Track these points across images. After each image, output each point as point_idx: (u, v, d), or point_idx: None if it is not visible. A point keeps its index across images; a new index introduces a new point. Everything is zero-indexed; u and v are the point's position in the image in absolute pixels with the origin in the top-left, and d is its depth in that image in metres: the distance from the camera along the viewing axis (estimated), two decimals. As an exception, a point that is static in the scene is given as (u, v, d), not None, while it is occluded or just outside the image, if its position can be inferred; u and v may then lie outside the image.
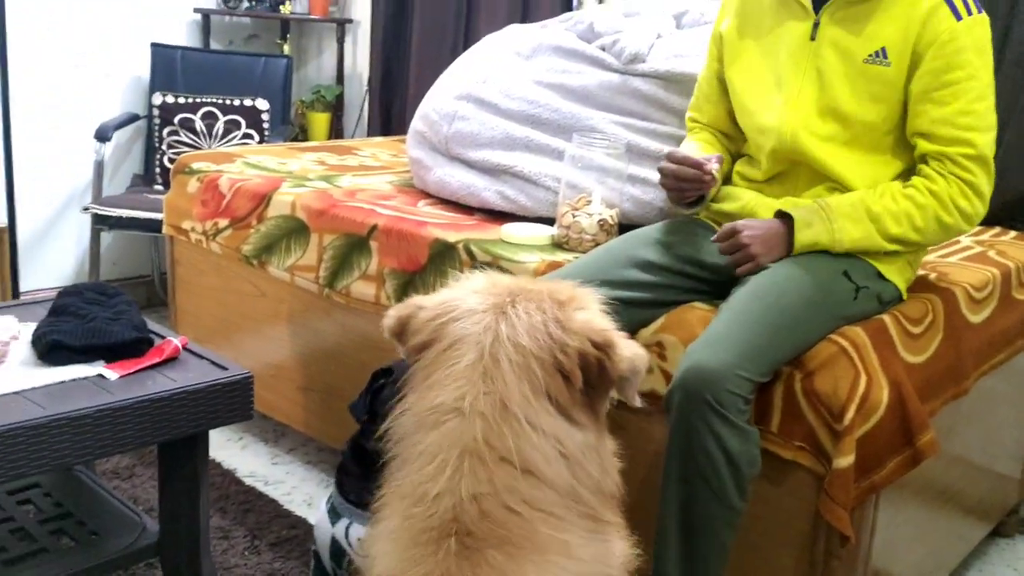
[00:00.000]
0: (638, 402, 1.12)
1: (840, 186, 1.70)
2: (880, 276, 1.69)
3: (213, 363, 1.71)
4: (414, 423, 1.02)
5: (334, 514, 1.69)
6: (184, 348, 1.75)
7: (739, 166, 1.88)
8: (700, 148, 1.87)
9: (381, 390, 1.66)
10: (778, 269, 1.63)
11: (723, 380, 1.45)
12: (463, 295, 1.09)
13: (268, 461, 2.56)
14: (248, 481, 2.41)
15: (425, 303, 1.11)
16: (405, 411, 1.05)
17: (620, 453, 1.13)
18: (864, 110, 1.67)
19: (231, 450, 2.60)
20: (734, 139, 1.91)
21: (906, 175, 1.70)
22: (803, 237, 1.64)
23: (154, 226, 3.04)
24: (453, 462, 0.97)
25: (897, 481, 1.59)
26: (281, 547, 2.09)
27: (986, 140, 1.66)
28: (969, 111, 1.63)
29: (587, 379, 1.03)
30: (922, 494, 1.80)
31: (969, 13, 1.63)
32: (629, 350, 1.04)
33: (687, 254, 1.76)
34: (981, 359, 1.86)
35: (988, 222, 2.31)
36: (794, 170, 1.76)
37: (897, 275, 1.72)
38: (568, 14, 2.60)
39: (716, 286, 1.74)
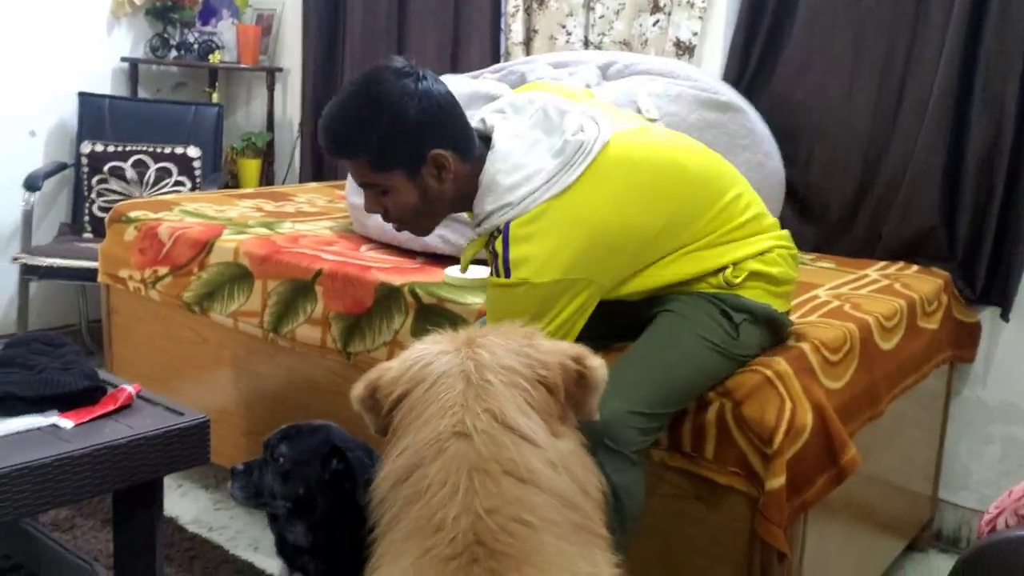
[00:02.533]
0: (596, 415, 1.21)
1: None
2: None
3: (168, 409, 1.74)
4: (414, 461, 1.06)
5: None
6: (138, 395, 1.78)
7: None
8: None
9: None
10: (662, 324, 1.66)
11: (615, 424, 1.49)
12: (426, 347, 1.17)
13: (210, 507, 2.56)
14: (192, 528, 2.41)
15: (390, 364, 1.18)
16: (400, 454, 1.08)
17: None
18: None
19: (171, 498, 2.59)
20: None
21: None
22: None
23: (84, 275, 3.03)
24: (464, 482, 1.01)
25: (823, 500, 1.72)
26: (230, 592, 2.10)
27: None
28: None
29: (567, 391, 1.11)
30: (844, 512, 1.93)
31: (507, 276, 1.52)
32: (596, 360, 1.15)
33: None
34: (893, 383, 2.01)
35: (893, 256, 2.50)
36: None
37: (761, 296, 1.68)
38: (499, 65, 2.71)
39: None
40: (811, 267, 2.39)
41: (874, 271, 2.38)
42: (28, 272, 3.17)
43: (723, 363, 1.66)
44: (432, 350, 1.16)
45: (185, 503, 2.57)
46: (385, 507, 1.08)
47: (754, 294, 1.67)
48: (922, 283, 2.30)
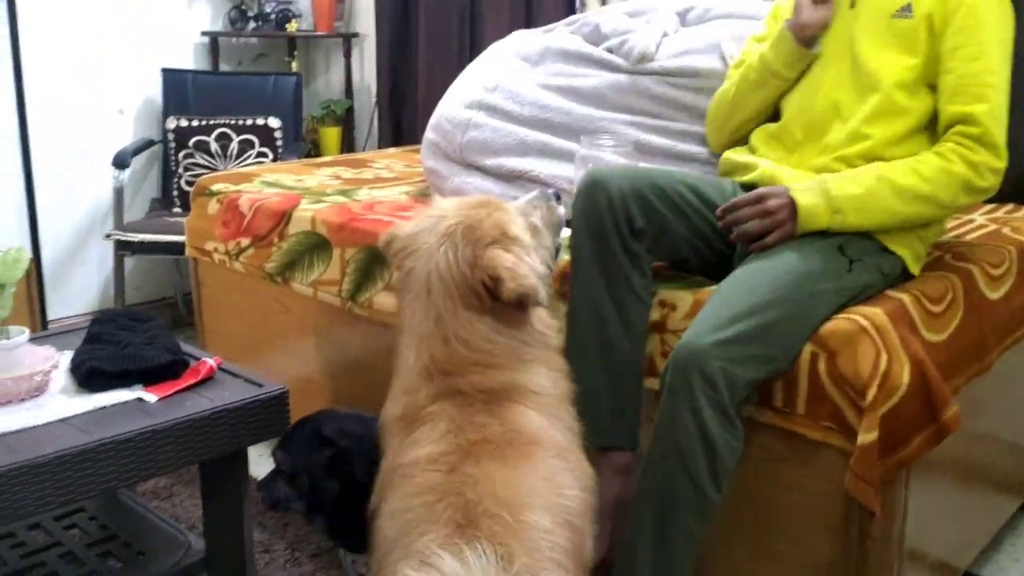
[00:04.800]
0: (543, 313, 1.50)
1: (868, 158, 1.73)
2: (883, 249, 1.70)
3: (248, 380, 1.75)
4: (402, 324, 1.48)
5: None
6: (219, 368, 1.79)
7: (761, 136, 1.92)
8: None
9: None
10: (770, 252, 1.65)
11: (708, 356, 1.47)
12: (419, 232, 1.47)
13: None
14: (284, 495, 2.44)
15: (398, 234, 1.51)
16: (399, 314, 1.50)
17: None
18: (892, 68, 1.72)
19: (264, 466, 2.62)
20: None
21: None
22: (808, 229, 1.67)
23: (176, 249, 3.09)
24: (417, 346, 1.43)
25: (926, 460, 1.62)
26: (321, 558, 2.12)
27: (1002, 101, 1.69)
28: (994, 70, 1.67)
29: (492, 296, 1.41)
30: (951, 472, 1.82)
31: None
32: (515, 282, 1.38)
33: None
34: (1003, 335, 1.88)
35: (1001, 198, 2.32)
36: (820, 141, 1.79)
37: (903, 247, 1.72)
38: (573, 17, 2.62)
39: (720, 266, 1.78)
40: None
41: (980, 215, 2.22)
42: (122, 248, 3.26)
43: (831, 304, 1.59)
44: (419, 239, 1.47)
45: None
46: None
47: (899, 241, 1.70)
48: (1034, 226, 2.14)
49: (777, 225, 1.66)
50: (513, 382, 1.39)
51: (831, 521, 1.61)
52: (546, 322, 1.50)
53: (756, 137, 1.92)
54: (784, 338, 1.56)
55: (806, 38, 1.82)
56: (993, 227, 2.13)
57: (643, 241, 1.71)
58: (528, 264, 1.44)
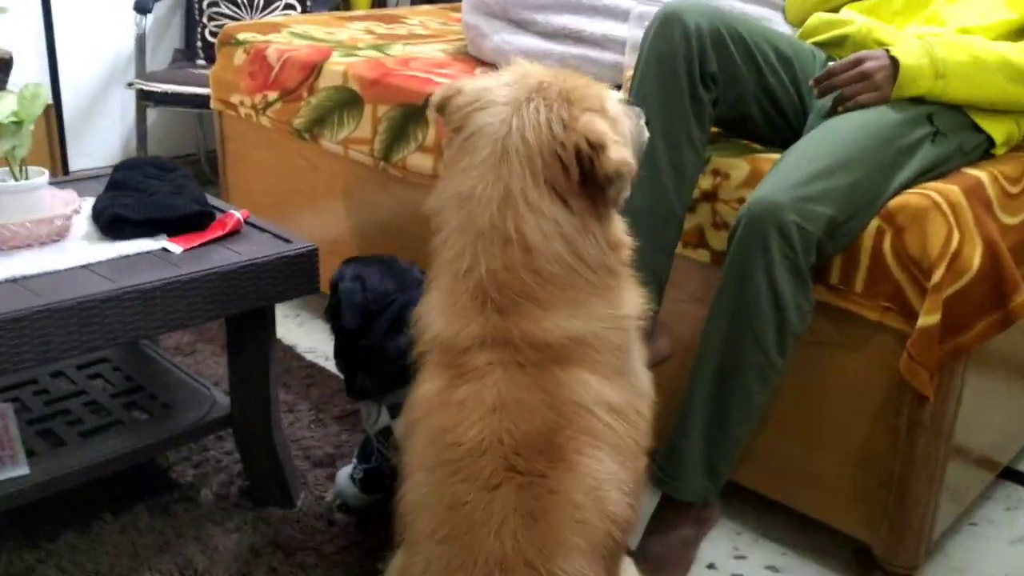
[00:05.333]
0: (620, 206, 1.23)
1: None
2: (973, 126, 1.59)
3: (276, 236, 1.68)
4: (446, 202, 1.16)
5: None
6: (246, 222, 1.72)
7: (854, 9, 1.78)
8: None
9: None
10: (853, 114, 1.55)
11: (786, 211, 1.39)
12: (495, 86, 1.18)
13: (326, 337, 2.53)
14: (309, 357, 2.41)
15: (464, 87, 1.20)
16: (442, 190, 1.18)
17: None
18: None
19: (288, 326, 2.60)
20: None
21: None
22: (906, 92, 1.54)
23: (199, 102, 2.98)
24: (471, 244, 1.12)
25: (984, 349, 1.54)
26: (346, 420, 2.10)
27: None
28: None
29: (582, 173, 1.13)
30: (1007, 363, 1.74)
31: None
32: (617, 154, 1.12)
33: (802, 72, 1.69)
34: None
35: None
36: (922, 13, 1.68)
37: (997, 128, 1.62)
38: None
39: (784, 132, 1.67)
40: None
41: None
42: (144, 98, 3.15)
43: (908, 171, 1.49)
44: (493, 93, 1.17)
45: (302, 332, 2.57)
46: (437, 223, 1.18)
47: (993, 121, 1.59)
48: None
49: (872, 89, 1.54)
50: (574, 334, 1.11)
51: (879, 408, 1.55)
52: (624, 236, 1.24)
53: (847, 10, 1.77)
54: (861, 202, 1.47)
55: None
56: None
57: (712, 90, 1.60)
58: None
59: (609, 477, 1.08)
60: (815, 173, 1.43)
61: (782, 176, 1.45)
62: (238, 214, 1.70)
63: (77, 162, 3.38)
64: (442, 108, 1.22)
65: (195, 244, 1.62)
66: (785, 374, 1.49)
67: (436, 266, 1.18)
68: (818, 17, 1.79)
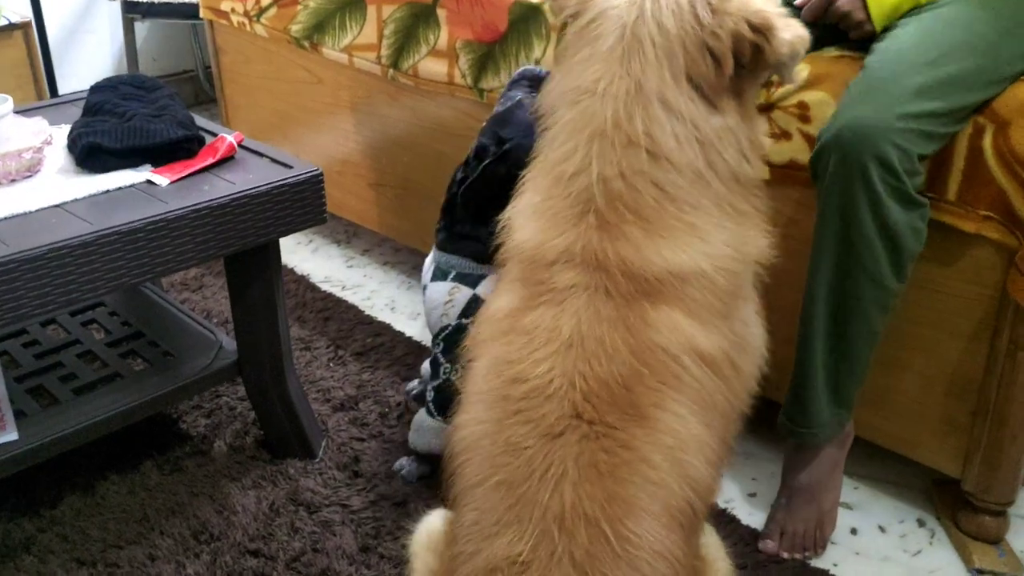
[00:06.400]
0: (797, 81, 1.11)
1: None
2: None
3: (275, 161, 1.48)
4: (557, 98, 1.01)
5: (440, 275, 1.52)
6: (240, 145, 1.52)
7: None
8: None
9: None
10: (944, 7, 1.31)
11: (888, 133, 1.20)
12: None
13: (343, 264, 2.37)
14: (324, 287, 2.23)
15: None
16: (553, 86, 1.03)
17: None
18: None
19: (302, 254, 2.42)
20: None
21: None
22: (883, 18, 1.35)
23: (191, 11, 2.75)
24: (584, 144, 0.97)
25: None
26: (367, 356, 1.93)
27: None
28: None
29: (739, 63, 0.97)
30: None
31: None
32: (790, 32, 0.96)
33: None
34: None
35: None
36: None
37: None
38: None
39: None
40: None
41: None
42: (130, 10, 2.91)
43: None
44: None
45: (317, 260, 2.39)
46: (545, 123, 1.04)
47: None
48: None
49: (854, 27, 1.37)
50: (678, 268, 0.94)
51: (974, 330, 1.35)
52: (766, 139, 1.08)
53: None
54: (968, 117, 1.27)
55: None
56: None
57: None
58: None
59: (691, 439, 0.92)
60: (919, 89, 1.21)
61: (873, 92, 1.23)
62: (231, 137, 1.50)
63: (65, 85, 3.16)
64: None
65: (183, 174, 1.42)
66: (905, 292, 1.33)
67: (535, 166, 1.04)
68: None
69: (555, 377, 0.92)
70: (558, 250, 0.96)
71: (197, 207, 1.33)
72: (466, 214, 1.48)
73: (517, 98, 1.47)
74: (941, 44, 1.26)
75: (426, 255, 1.58)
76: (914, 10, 1.34)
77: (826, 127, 1.27)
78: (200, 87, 3.40)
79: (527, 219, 1.01)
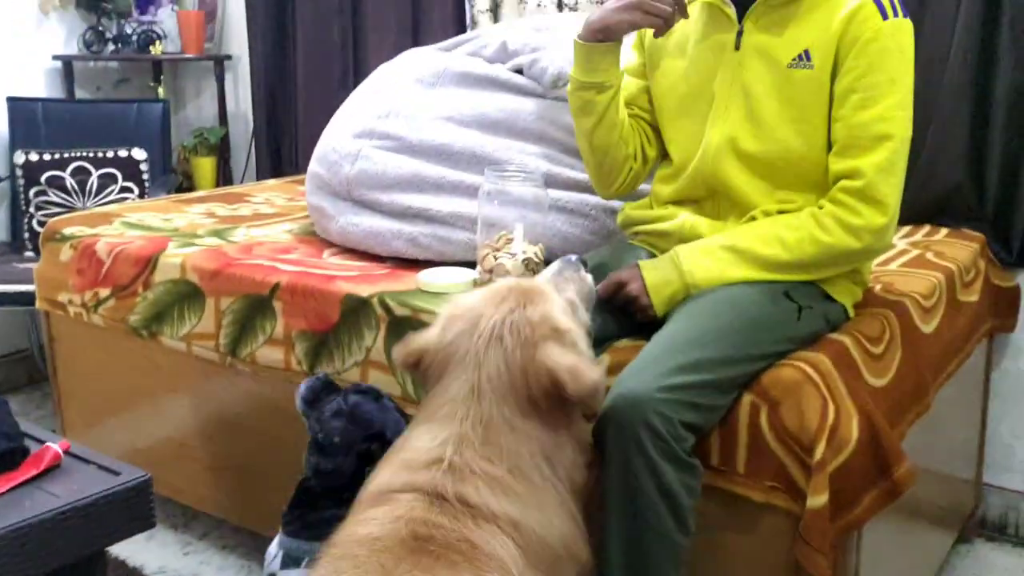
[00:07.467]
0: (595, 416, 1.37)
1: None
2: (826, 296, 1.59)
3: (102, 468, 1.48)
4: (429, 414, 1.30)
5: (291, 562, 1.54)
6: (66, 453, 1.51)
7: (660, 182, 1.77)
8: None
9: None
10: (715, 293, 1.52)
11: (651, 403, 1.34)
12: (456, 336, 1.30)
13: (179, 551, 2.30)
14: (159, 580, 2.16)
15: (429, 343, 1.33)
16: (412, 433, 1.30)
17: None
18: (787, 128, 1.56)
19: (136, 542, 2.33)
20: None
21: None
22: (651, 278, 1.58)
23: (28, 299, 2.74)
24: (445, 438, 1.25)
25: (877, 515, 1.48)
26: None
27: (896, 148, 1.51)
28: (887, 117, 1.51)
29: (555, 400, 1.27)
30: (896, 515, 1.69)
31: (895, 15, 1.53)
32: (586, 380, 1.25)
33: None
34: (938, 370, 1.77)
35: (918, 220, 2.25)
36: (714, 196, 1.65)
37: (844, 294, 1.63)
38: (472, 33, 2.43)
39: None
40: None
41: (900, 239, 2.13)
42: (-38, 300, 2.88)
43: (778, 351, 1.47)
44: (466, 336, 1.30)
45: (151, 549, 2.31)
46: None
47: (838, 288, 1.60)
48: (956, 249, 2.05)
49: (641, 310, 1.59)
50: (515, 518, 1.21)
51: (779, 590, 1.46)
52: (584, 438, 1.36)
53: (658, 184, 1.78)
54: (731, 389, 1.43)
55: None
56: (915, 252, 2.03)
57: None
58: (585, 357, 1.31)
59: None
60: (681, 367, 1.38)
61: (645, 369, 1.39)
62: (56, 446, 1.50)
63: None
64: (411, 370, 1.35)
65: (4, 489, 1.40)
66: (692, 542, 1.41)
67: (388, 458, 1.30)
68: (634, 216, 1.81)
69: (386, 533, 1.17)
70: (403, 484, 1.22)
71: (18, 525, 1.31)
72: (328, 501, 1.53)
73: (353, 400, 1.57)
74: (706, 326, 1.45)
75: (266, 536, 1.59)
76: (690, 296, 1.54)
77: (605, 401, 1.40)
78: (34, 366, 3.34)
79: (386, 471, 1.26)
